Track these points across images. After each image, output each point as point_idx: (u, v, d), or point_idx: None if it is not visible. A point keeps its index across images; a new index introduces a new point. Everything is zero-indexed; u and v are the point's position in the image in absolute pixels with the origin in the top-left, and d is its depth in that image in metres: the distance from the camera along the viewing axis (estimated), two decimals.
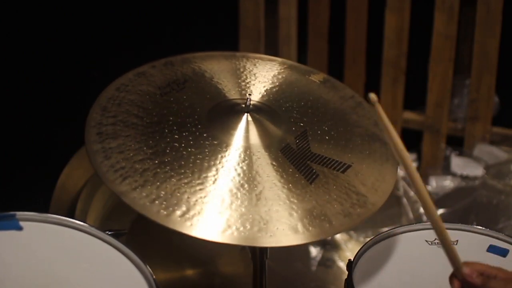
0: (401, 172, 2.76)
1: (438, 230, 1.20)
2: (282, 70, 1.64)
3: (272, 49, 2.88)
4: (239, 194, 1.32)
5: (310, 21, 2.83)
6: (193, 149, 1.38)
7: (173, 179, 1.32)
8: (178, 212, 1.28)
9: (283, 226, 1.30)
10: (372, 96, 1.18)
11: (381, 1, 2.67)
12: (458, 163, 2.75)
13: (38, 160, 2.75)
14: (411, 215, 2.59)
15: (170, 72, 1.57)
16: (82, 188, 1.93)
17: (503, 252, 1.50)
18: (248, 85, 1.57)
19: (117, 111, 1.44)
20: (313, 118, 1.53)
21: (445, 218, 2.55)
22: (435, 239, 1.53)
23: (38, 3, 3.02)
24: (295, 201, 1.34)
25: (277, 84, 1.60)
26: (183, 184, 1.32)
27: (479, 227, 1.56)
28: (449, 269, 1.23)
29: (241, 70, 1.61)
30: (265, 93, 1.56)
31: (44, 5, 3.02)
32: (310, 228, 1.30)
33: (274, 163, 1.39)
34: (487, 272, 1.17)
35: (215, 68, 1.60)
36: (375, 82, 2.79)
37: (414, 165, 1.21)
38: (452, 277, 1.19)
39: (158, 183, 1.31)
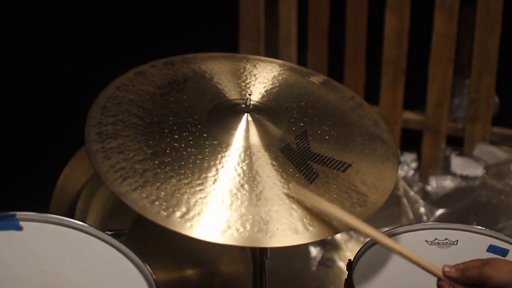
0: (401, 172, 2.77)
1: (398, 250, 1.29)
2: (282, 72, 1.64)
3: (272, 48, 2.88)
4: (239, 195, 1.32)
5: (310, 21, 2.83)
6: (193, 149, 1.37)
7: (173, 180, 1.32)
8: (178, 213, 1.27)
9: (283, 227, 1.29)
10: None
11: (381, 1, 2.67)
12: (458, 163, 2.75)
13: (38, 160, 2.75)
14: (411, 215, 2.59)
15: (170, 72, 1.57)
16: (82, 188, 1.93)
17: (503, 252, 1.50)
18: (248, 86, 1.57)
19: (117, 110, 1.44)
20: (313, 118, 1.53)
21: (445, 218, 2.55)
22: (435, 239, 1.53)
23: (38, 3, 3.02)
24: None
25: (277, 85, 1.60)
26: (183, 185, 1.31)
27: (479, 227, 1.56)
28: None
29: (241, 71, 1.61)
30: (265, 93, 1.56)
31: (44, 5, 3.03)
32: (310, 228, 1.30)
33: (274, 163, 1.39)
34: (462, 265, 1.26)
35: (215, 68, 1.60)
36: (375, 82, 2.79)
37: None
38: (438, 284, 1.27)
39: (158, 184, 1.31)
